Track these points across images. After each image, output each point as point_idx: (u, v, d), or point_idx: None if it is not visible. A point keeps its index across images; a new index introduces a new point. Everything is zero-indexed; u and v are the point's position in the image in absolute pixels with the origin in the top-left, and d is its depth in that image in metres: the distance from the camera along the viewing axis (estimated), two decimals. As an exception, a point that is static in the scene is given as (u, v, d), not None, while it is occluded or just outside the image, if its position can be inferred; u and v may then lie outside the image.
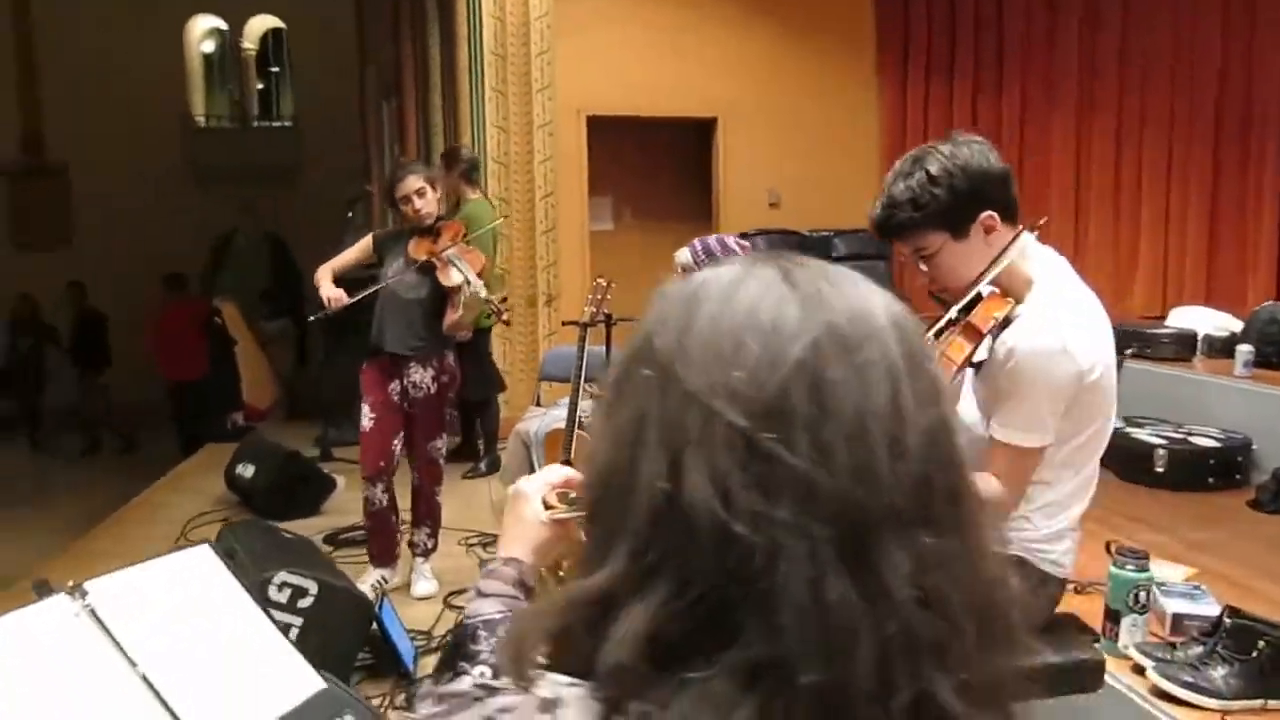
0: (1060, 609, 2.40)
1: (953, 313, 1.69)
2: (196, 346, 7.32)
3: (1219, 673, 1.93)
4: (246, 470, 4.81)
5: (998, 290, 1.74)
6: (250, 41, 12.44)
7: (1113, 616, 2.14)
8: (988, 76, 6.76)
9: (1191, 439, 3.54)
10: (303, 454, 5.03)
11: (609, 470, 0.58)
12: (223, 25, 12.25)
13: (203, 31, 12.36)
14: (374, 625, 2.93)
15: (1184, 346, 4.28)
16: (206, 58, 12.50)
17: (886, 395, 0.53)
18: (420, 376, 3.53)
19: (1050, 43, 6.58)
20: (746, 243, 3.03)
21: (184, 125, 11.88)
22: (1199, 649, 2.01)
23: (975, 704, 0.54)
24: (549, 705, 0.56)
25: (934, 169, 1.61)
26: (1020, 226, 1.68)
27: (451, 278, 3.45)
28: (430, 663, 3.09)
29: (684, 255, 2.97)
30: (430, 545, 3.74)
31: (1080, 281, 1.73)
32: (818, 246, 6.73)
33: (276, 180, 11.24)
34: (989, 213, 1.62)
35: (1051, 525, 1.72)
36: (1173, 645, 2.09)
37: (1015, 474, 1.64)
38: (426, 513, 3.72)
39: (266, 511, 4.68)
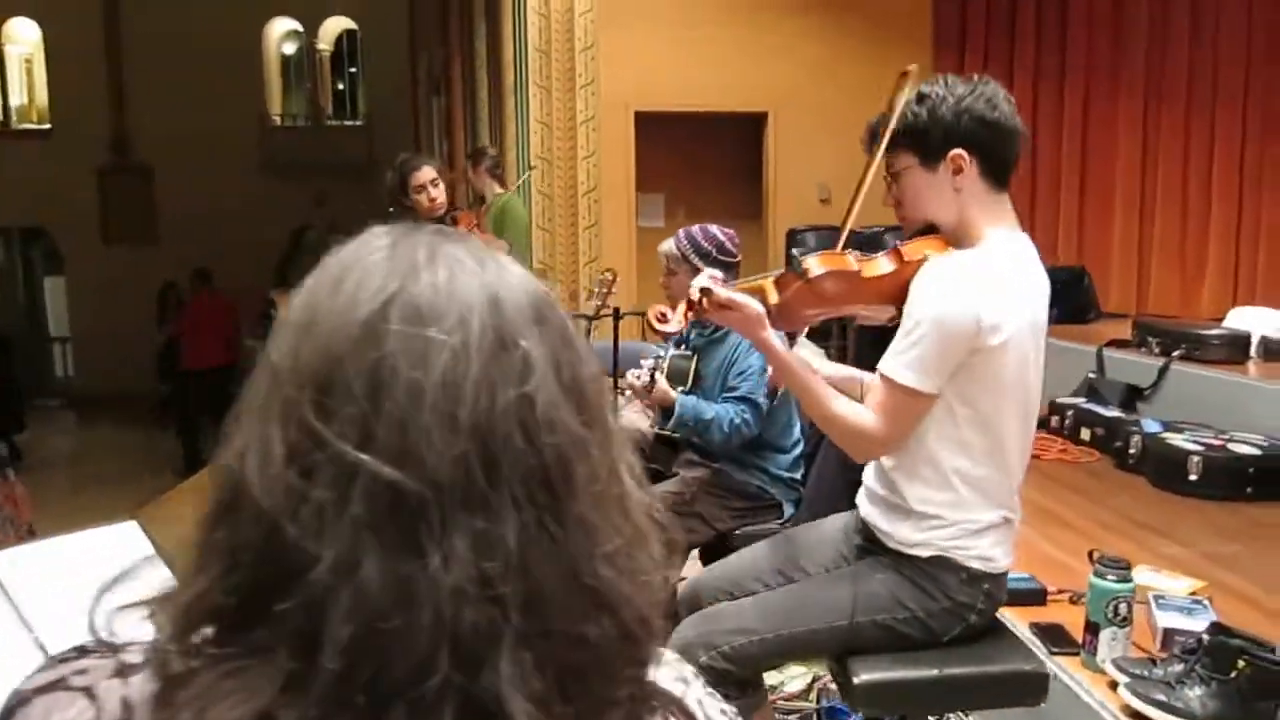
0: (1049, 619, 2.31)
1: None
2: (217, 337, 7.62)
3: (1195, 693, 1.79)
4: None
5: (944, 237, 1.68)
6: (325, 43, 12.81)
7: (1092, 629, 2.01)
8: (1049, 65, 6.49)
9: (1231, 446, 3.32)
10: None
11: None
12: (299, 27, 12.64)
13: (281, 34, 12.79)
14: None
15: (1237, 349, 4.02)
16: (284, 59, 12.92)
17: (448, 372, 0.49)
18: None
19: (1116, 29, 6.27)
20: (731, 231, 2.95)
21: (261, 125, 12.31)
22: (1179, 666, 1.88)
23: (547, 699, 0.49)
24: (125, 670, 0.54)
25: (927, 90, 1.60)
26: (1004, 191, 1.63)
27: None
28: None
29: (669, 245, 2.92)
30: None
31: (1034, 268, 1.64)
32: (868, 243, 6.57)
33: (348, 176, 11.53)
34: (960, 151, 1.56)
35: (966, 521, 1.61)
36: (1153, 662, 1.96)
37: (892, 411, 1.57)
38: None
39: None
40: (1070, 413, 4.14)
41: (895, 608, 1.63)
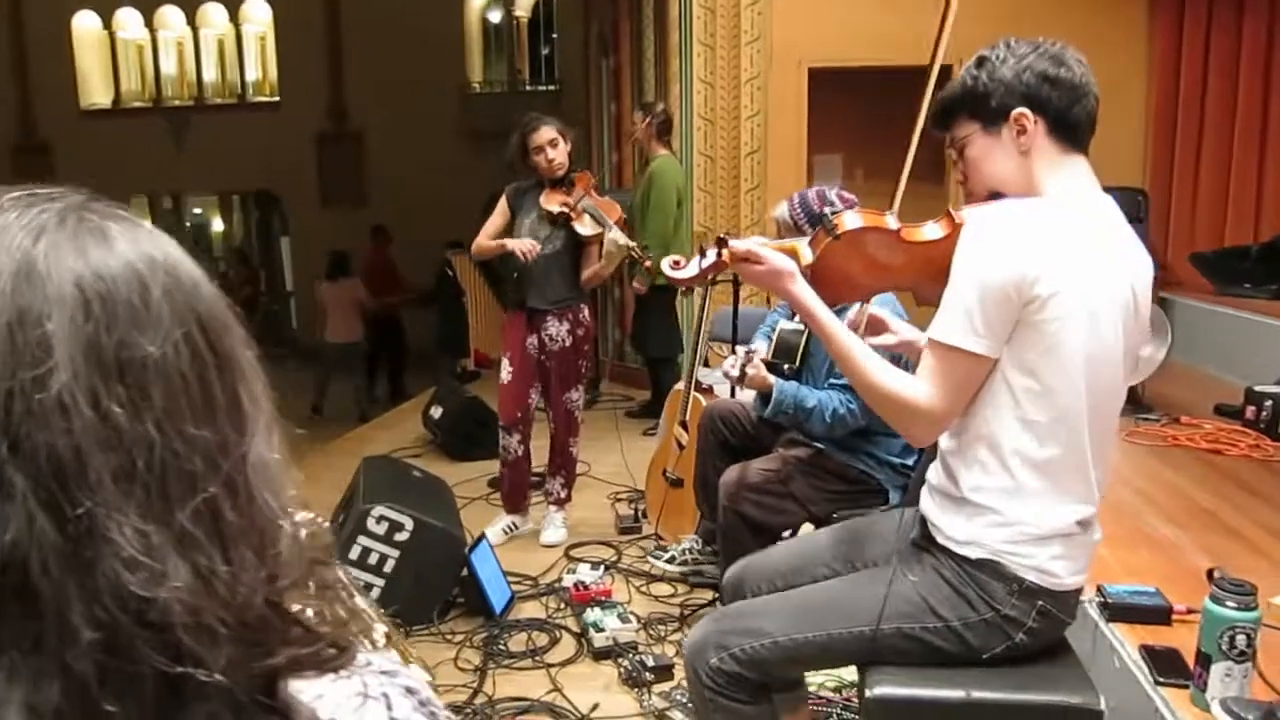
0: (1170, 641, 2.00)
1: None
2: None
3: (1313, 750, 1.50)
4: (436, 412, 5.16)
5: None
6: (522, 10, 13.15)
7: (1203, 661, 1.72)
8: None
9: None
10: (485, 401, 5.30)
11: None
12: (497, -5, 13.07)
13: (482, 3, 13.24)
14: (465, 569, 3.03)
15: None
16: (485, 28, 13.39)
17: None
18: (556, 330, 3.57)
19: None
20: (851, 196, 2.74)
21: (461, 92, 12.85)
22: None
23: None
24: None
25: (987, 52, 1.48)
26: (1079, 153, 1.46)
27: (588, 227, 3.45)
28: (529, 608, 3.17)
29: (781, 210, 2.76)
30: (564, 495, 3.81)
31: (1115, 230, 1.44)
32: (1060, 207, 6.02)
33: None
34: (1024, 110, 1.42)
35: (1027, 522, 1.40)
36: (1274, 711, 1.65)
37: (942, 378, 1.41)
38: (561, 464, 3.79)
39: (449, 450, 5.02)
40: (1269, 403, 3.60)
41: (926, 616, 1.46)
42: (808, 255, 1.56)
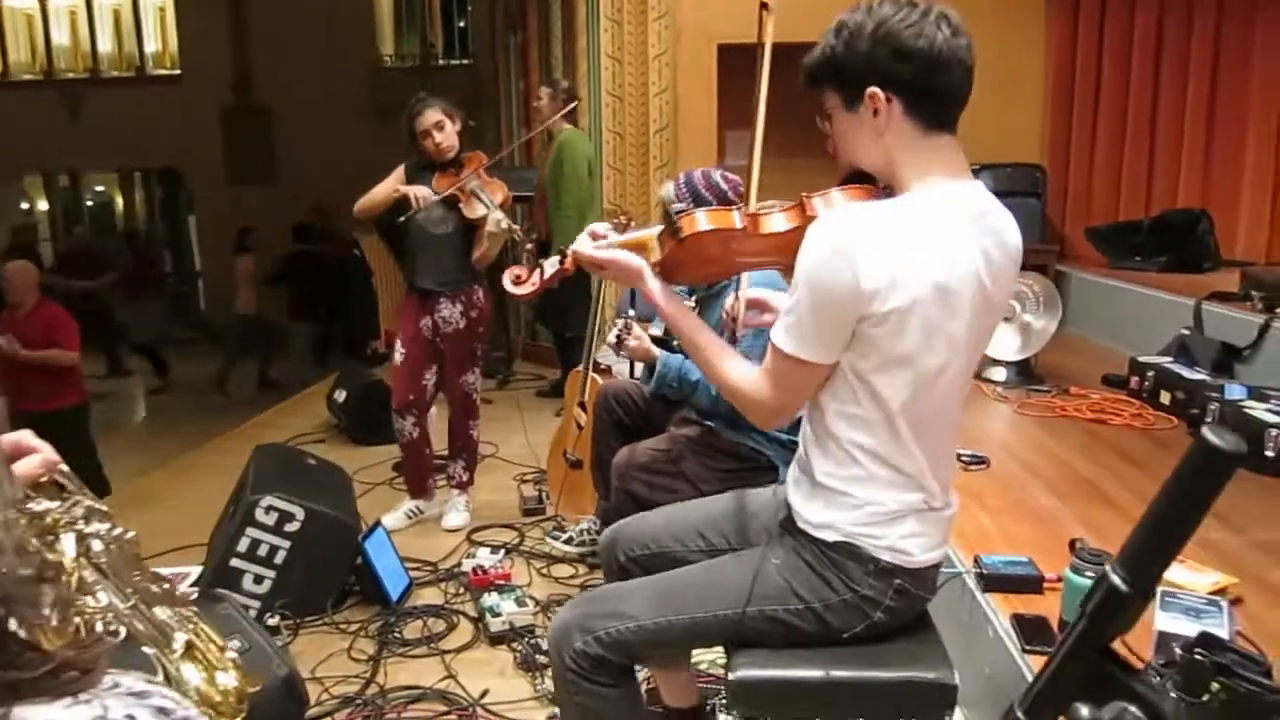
0: (1043, 610, 2.06)
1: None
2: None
3: (1163, 712, 1.55)
4: (339, 395, 5.04)
5: (874, 186, 1.47)
6: (435, -18, 12.86)
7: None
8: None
9: (1322, 419, 2.90)
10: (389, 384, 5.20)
11: None
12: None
13: (393, -26, 12.91)
14: (359, 557, 2.97)
15: (1356, 306, 3.52)
16: (397, 1, 13.04)
17: None
18: (450, 312, 3.51)
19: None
20: (736, 178, 2.73)
21: (371, 66, 12.51)
22: (1155, 682, 1.63)
23: None
24: None
25: (846, 17, 1.38)
26: (943, 133, 1.38)
27: (475, 209, 3.38)
28: (428, 594, 3.13)
29: (668, 190, 2.74)
30: (465, 478, 3.76)
31: (975, 220, 1.38)
32: (964, 184, 6.14)
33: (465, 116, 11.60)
34: (875, 90, 1.34)
35: (875, 503, 1.42)
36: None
37: (778, 379, 1.42)
38: (462, 447, 3.74)
39: (353, 434, 4.92)
40: (1151, 373, 3.74)
41: (789, 598, 1.47)
42: (655, 253, 1.55)
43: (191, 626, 0.94)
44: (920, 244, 1.32)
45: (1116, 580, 0.72)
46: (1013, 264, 1.45)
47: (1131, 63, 5.99)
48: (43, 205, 14.91)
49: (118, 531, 0.94)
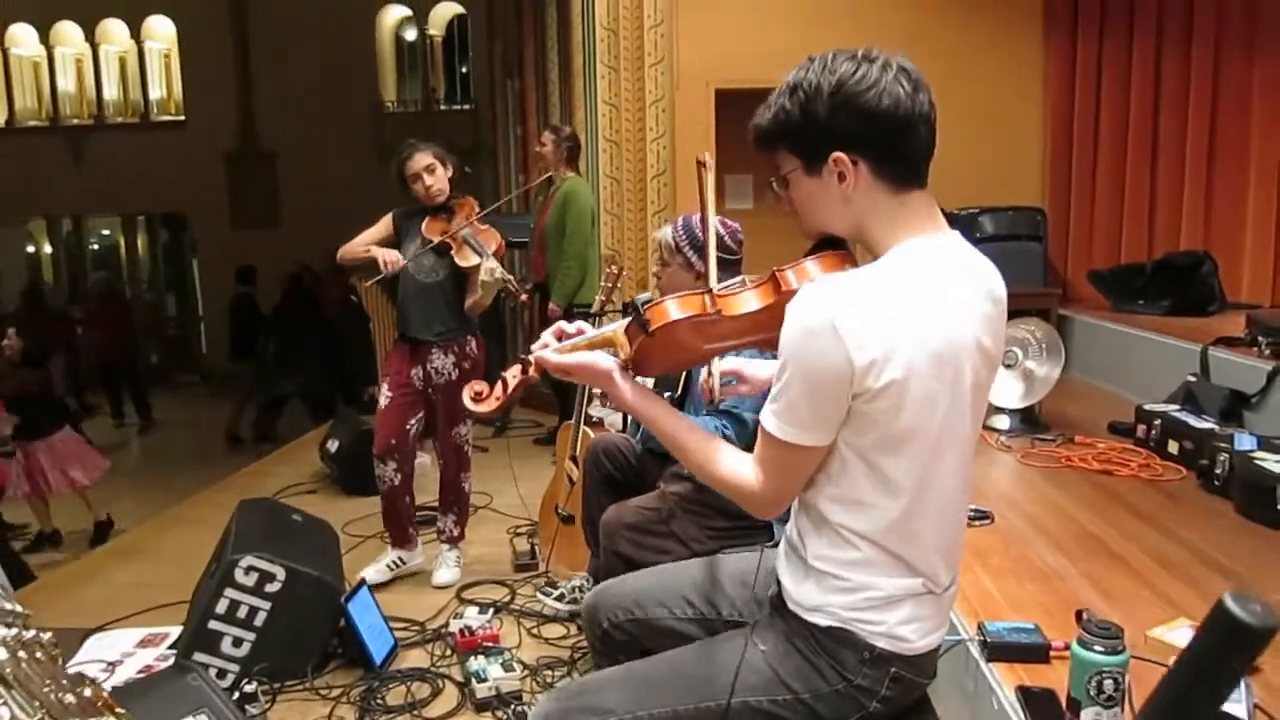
0: (1049, 682, 1.96)
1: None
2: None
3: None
4: (332, 445, 4.97)
5: (847, 252, 1.39)
6: (436, 28, 12.99)
7: (1073, 706, 1.68)
8: (1174, 29, 5.79)
9: (1336, 472, 2.81)
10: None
11: None
12: (409, 13, 12.89)
13: (396, 20, 13.05)
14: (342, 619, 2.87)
15: (1367, 353, 3.44)
16: (399, 46, 13.20)
17: None
18: (441, 362, 3.44)
19: (1252, -16, 5.54)
20: (735, 225, 2.67)
21: (374, 111, 12.62)
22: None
23: None
24: None
25: (799, 77, 1.29)
26: (911, 190, 1.30)
27: (468, 258, 3.33)
28: (414, 656, 3.02)
29: (665, 233, 2.69)
30: (456, 532, 3.67)
31: (958, 277, 1.30)
32: (964, 224, 6.09)
33: (457, 160, 11.66)
34: (840, 154, 1.26)
35: (872, 587, 1.34)
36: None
37: (772, 466, 1.33)
38: (454, 500, 3.65)
39: (345, 485, 4.83)
40: (1158, 422, 3.65)
41: (776, 688, 1.37)
42: (625, 349, 1.47)
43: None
44: (909, 309, 1.24)
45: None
46: (1002, 314, 1.38)
47: (1130, 105, 5.98)
48: (47, 249, 14.98)
49: (29, 636, 0.87)
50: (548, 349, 1.53)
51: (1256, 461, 2.95)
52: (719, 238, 2.62)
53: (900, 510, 1.30)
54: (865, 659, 1.35)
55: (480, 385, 1.61)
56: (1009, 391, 4.05)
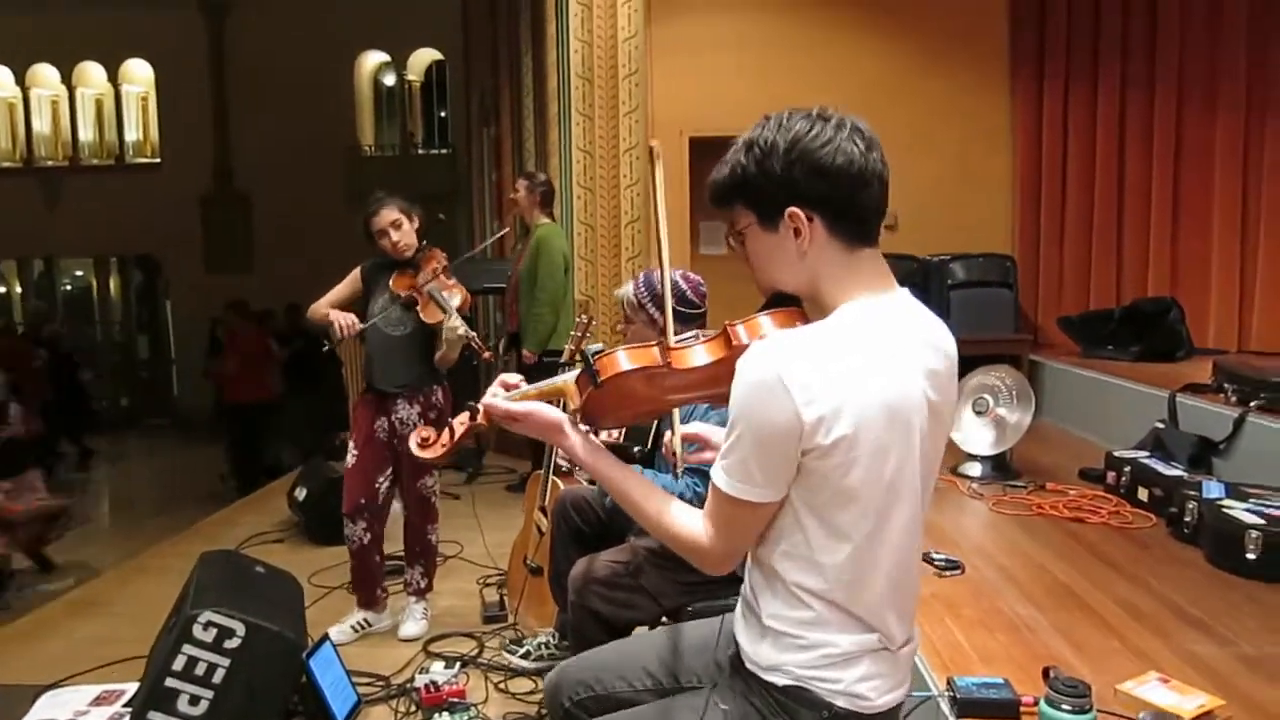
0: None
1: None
2: (257, 371, 7.79)
3: None
4: (300, 493, 4.90)
5: (799, 309, 1.40)
6: (415, 74, 13.10)
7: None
8: (1138, 75, 5.93)
9: (1303, 519, 2.82)
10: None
11: None
12: (388, 59, 13.01)
13: (374, 66, 13.15)
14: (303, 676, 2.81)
15: (1331, 399, 3.48)
16: (378, 91, 13.29)
17: None
18: (407, 413, 3.41)
19: (1212, 34, 5.68)
20: (697, 278, 2.68)
21: (350, 155, 12.66)
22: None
23: None
24: None
25: (756, 134, 1.31)
26: (864, 248, 1.32)
27: (433, 314, 3.32)
28: (378, 713, 2.95)
29: (626, 290, 2.69)
30: (423, 585, 3.61)
31: (905, 331, 1.32)
32: (935, 271, 6.17)
33: (433, 204, 11.68)
34: (795, 210, 1.28)
35: (828, 645, 1.32)
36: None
37: (722, 522, 1.32)
38: (420, 552, 3.59)
39: (312, 534, 4.75)
40: (1127, 469, 3.66)
41: (736, 750, 1.35)
42: (575, 400, 1.47)
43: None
44: (857, 364, 1.24)
45: None
46: (952, 371, 1.40)
47: (1096, 154, 6.10)
48: (18, 289, 14.84)
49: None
50: (497, 397, 1.53)
51: (1225, 510, 2.96)
52: (680, 292, 2.62)
53: (851, 561, 1.29)
54: (824, 718, 1.32)
55: (427, 431, 1.62)
56: (980, 438, 4.06)
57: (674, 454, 1.72)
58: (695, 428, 1.73)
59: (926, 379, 1.31)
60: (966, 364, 4.24)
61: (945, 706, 2.08)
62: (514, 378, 1.58)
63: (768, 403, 1.21)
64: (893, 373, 1.27)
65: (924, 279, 6.18)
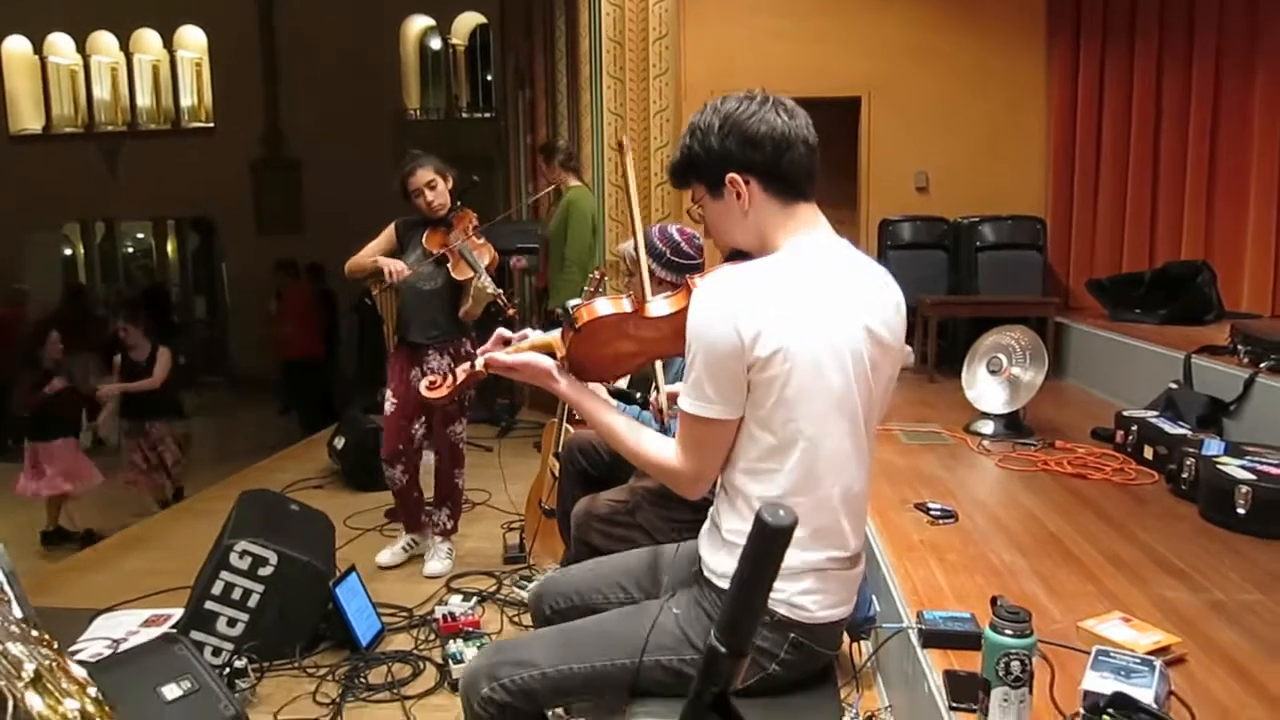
0: (975, 666, 2.05)
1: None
2: (306, 328, 8.06)
3: (1069, 773, 1.55)
4: (339, 442, 5.14)
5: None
6: (459, 38, 13.22)
7: (985, 686, 1.78)
8: (1175, 45, 5.84)
9: (1295, 475, 2.87)
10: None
11: None
12: (433, 23, 13.13)
13: (420, 30, 13.29)
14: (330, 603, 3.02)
15: (1342, 360, 3.48)
16: (423, 55, 13.43)
17: None
18: (438, 363, 3.59)
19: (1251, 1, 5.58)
20: (692, 232, 2.80)
21: (396, 119, 12.84)
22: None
23: None
24: None
25: (695, 118, 1.53)
26: (799, 202, 1.50)
27: (463, 271, 3.48)
28: (400, 640, 3.17)
29: (627, 246, 2.81)
30: (449, 526, 3.81)
31: (845, 271, 1.48)
32: (965, 234, 6.18)
33: (476, 167, 11.85)
34: (734, 175, 1.47)
35: None
36: (1048, 730, 1.70)
37: (690, 443, 1.49)
38: (446, 494, 3.80)
39: (351, 481, 5.00)
40: (1134, 427, 3.72)
41: (684, 648, 1.50)
42: (561, 349, 1.66)
43: (47, 659, 1.00)
44: (792, 287, 1.42)
45: (716, 644, 0.81)
46: (896, 307, 1.53)
47: (1132, 117, 6.03)
48: (81, 251, 15.37)
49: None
50: (496, 350, 1.72)
51: (1219, 466, 3.02)
52: (675, 244, 2.75)
53: (800, 465, 1.43)
54: (765, 622, 1.47)
55: (434, 376, 1.83)
56: (993, 397, 4.13)
57: (660, 410, 1.89)
58: (679, 387, 1.88)
59: (864, 307, 1.47)
60: (991, 324, 4.32)
61: (914, 637, 2.21)
62: (509, 333, 1.78)
63: (713, 324, 1.39)
64: (827, 295, 1.43)
65: (954, 240, 6.20)
